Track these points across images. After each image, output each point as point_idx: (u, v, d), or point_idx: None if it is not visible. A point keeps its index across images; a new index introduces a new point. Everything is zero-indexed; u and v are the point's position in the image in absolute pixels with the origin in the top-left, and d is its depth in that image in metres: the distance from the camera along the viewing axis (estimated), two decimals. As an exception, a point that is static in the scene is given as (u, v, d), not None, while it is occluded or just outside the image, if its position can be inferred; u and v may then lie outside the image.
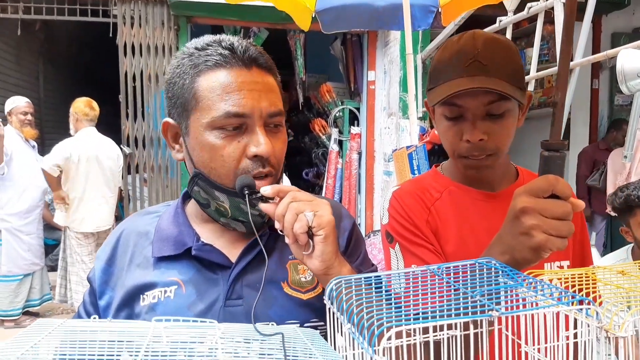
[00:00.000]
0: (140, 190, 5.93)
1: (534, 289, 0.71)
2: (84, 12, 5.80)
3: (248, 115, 1.01)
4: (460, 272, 0.80)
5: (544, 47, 5.86)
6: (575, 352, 0.68)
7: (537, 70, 3.47)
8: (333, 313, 0.70)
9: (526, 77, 3.52)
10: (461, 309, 0.64)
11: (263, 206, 0.96)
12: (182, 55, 1.08)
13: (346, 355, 0.65)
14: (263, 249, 0.97)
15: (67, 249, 5.04)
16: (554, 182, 0.92)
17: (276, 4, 2.74)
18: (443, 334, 0.63)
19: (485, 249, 1.04)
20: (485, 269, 0.80)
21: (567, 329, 0.68)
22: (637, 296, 0.77)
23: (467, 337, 0.64)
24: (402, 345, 0.61)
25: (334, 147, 6.20)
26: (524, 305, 0.68)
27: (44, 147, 5.03)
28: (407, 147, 3.30)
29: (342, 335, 0.67)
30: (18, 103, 5.16)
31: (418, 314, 0.66)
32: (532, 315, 0.67)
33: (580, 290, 0.81)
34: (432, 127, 4.48)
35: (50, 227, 5.92)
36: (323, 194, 5.98)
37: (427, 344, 0.61)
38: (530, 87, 3.64)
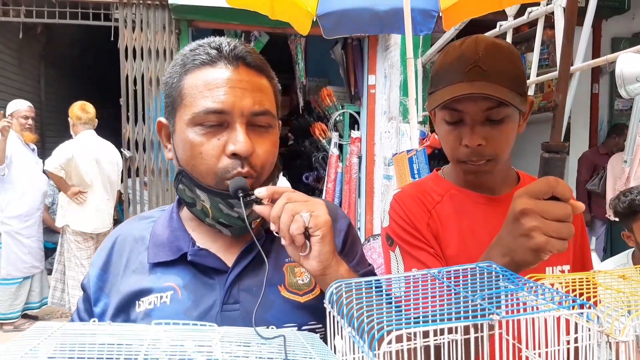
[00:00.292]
0: (140, 194, 5.93)
1: (535, 293, 0.71)
2: (86, 16, 5.82)
3: (227, 112, 1.00)
4: (461, 276, 0.80)
5: (544, 51, 5.87)
6: (576, 357, 0.68)
7: (537, 75, 3.47)
8: (333, 317, 0.70)
9: (527, 82, 3.53)
10: (462, 312, 0.64)
11: (258, 208, 0.95)
12: (177, 57, 1.09)
13: (346, 359, 0.64)
14: (262, 252, 0.95)
15: (65, 252, 5.03)
16: (554, 184, 0.92)
17: (272, 15, 2.75)
18: (444, 338, 0.62)
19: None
20: (485, 273, 0.80)
21: (567, 333, 0.67)
22: (637, 301, 0.77)
23: (467, 341, 0.64)
24: (402, 349, 0.60)
25: (334, 151, 6.20)
26: (525, 309, 0.68)
27: (45, 151, 5.04)
28: (408, 151, 3.30)
29: (342, 338, 0.67)
30: (20, 107, 5.17)
31: (418, 317, 0.66)
32: (533, 319, 0.67)
33: (581, 294, 0.81)
34: (432, 131, 4.48)
35: (50, 230, 5.91)
36: (323, 198, 5.97)
37: (427, 347, 0.61)
38: (531, 92, 3.64)
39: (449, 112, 1.23)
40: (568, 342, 0.67)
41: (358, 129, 6.28)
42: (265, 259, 0.94)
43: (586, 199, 5.68)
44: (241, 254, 1.08)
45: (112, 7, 5.76)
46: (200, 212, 1.06)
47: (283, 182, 4.30)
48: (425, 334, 0.61)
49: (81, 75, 10.21)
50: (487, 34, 3.76)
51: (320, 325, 1.06)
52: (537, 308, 0.68)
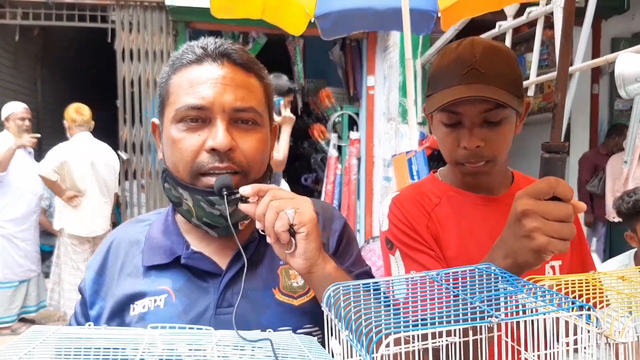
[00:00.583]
0: (137, 197, 5.92)
1: (534, 295, 0.71)
2: (82, 18, 5.82)
3: (208, 108, 0.99)
4: (460, 278, 0.79)
5: (544, 52, 5.87)
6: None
7: (537, 75, 3.48)
8: (331, 320, 0.70)
9: (526, 82, 3.52)
10: (460, 315, 0.64)
11: (243, 206, 0.94)
12: (170, 58, 1.10)
13: (344, 363, 0.64)
14: (242, 249, 0.95)
15: (62, 255, 5.01)
16: (555, 184, 0.91)
17: (263, 17, 2.74)
18: (442, 341, 0.62)
19: (486, 253, 1.03)
20: (484, 275, 0.80)
21: (567, 335, 0.67)
22: (637, 302, 0.76)
23: (466, 343, 0.63)
24: (400, 352, 0.60)
25: (333, 152, 6.20)
26: (524, 312, 0.68)
27: (41, 153, 5.03)
28: (407, 153, 3.30)
29: (339, 342, 0.66)
30: (15, 109, 5.15)
31: (417, 320, 0.66)
32: (532, 321, 0.67)
33: (581, 296, 0.81)
34: (431, 132, 4.48)
35: (46, 234, 5.90)
36: (322, 200, 5.97)
37: (426, 350, 0.61)
38: (530, 92, 3.64)
39: (446, 114, 1.23)
40: (567, 344, 0.67)
41: (357, 131, 6.29)
42: (245, 259, 0.94)
43: (588, 200, 5.67)
44: (235, 257, 1.07)
45: (109, 9, 5.76)
46: (186, 212, 1.06)
47: (283, 184, 4.30)
48: (424, 337, 0.60)
49: (78, 78, 10.19)
50: (487, 34, 3.76)
51: (317, 329, 1.05)
52: (537, 310, 0.68)
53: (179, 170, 1.02)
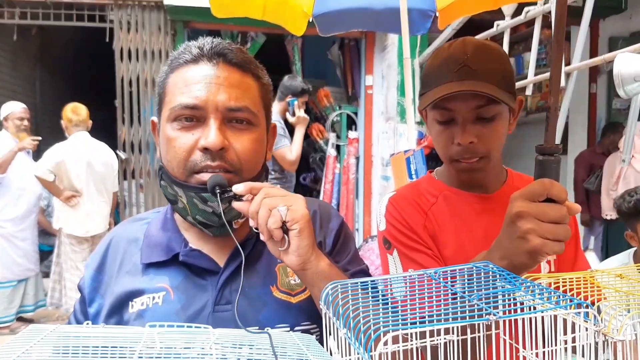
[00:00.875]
0: (136, 196, 5.91)
1: (532, 293, 0.71)
2: (81, 17, 5.81)
3: (201, 107, 1.00)
4: (458, 276, 0.79)
5: (542, 51, 5.88)
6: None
7: (535, 74, 3.48)
8: (329, 318, 0.70)
9: (524, 81, 3.53)
10: (458, 313, 0.64)
11: (236, 204, 0.95)
12: (168, 58, 1.11)
13: (342, 361, 0.64)
14: (239, 246, 0.96)
15: (62, 255, 5.02)
16: (549, 186, 0.92)
17: (264, 17, 2.74)
18: (440, 339, 0.62)
19: (483, 251, 1.04)
20: (482, 273, 0.80)
21: (565, 332, 0.67)
22: (636, 299, 0.76)
23: (464, 341, 0.63)
24: (398, 350, 0.60)
25: (331, 151, 6.20)
26: (522, 309, 0.68)
27: (39, 153, 5.03)
28: (405, 152, 3.30)
29: (337, 340, 0.66)
30: (14, 109, 5.15)
31: (415, 318, 0.66)
32: (530, 319, 0.67)
33: (579, 293, 0.81)
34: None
35: (45, 233, 5.89)
36: (321, 199, 5.97)
37: (424, 348, 0.61)
38: (528, 92, 3.65)
39: (439, 111, 1.25)
40: (565, 342, 0.67)
41: (355, 130, 6.29)
42: (242, 255, 0.95)
43: (584, 199, 5.68)
44: (232, 255, 1.07)
45: (107, 8, 5.75)
46: (182, 210, 1.06)
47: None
48: (422, 335, 0.60)
49: (76, 77, 10.18)
50: (485, 33, 3.77)
51: (315, 326, 1.06)
52: (535, 308, 0.68)
53: (173, 168, 1.02)
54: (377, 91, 6.13)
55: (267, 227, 0.89)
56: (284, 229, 0.90)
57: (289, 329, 1.01)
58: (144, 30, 5.72)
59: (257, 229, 0.92)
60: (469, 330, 0.62)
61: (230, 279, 1.05)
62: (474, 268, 0.81)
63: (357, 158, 6.24)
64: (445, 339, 0.62)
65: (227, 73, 1.04)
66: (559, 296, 0.69)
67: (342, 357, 0.64)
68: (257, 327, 0.83)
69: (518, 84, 3.44)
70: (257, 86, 1.09)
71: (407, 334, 0.60)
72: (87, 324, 0.79)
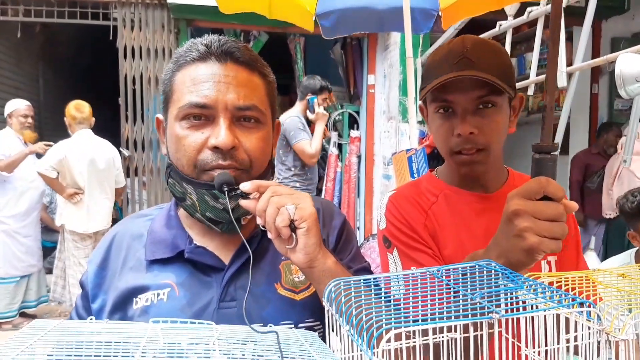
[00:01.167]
0: (139, 194, 5.91)
1: (534, 292, 0.71)
2: (84, 15, 5.81)
3: (211, 106, 1.00)
4: (460, 274, 0.79)
5: (544, 51, 5.85)
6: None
7: (537, 75, 3.48)
8: (332, 315, 0.70)
9: (526, 81, 3.53)
10: (461, 311, 0.64)
11: (244, 202, 0.95)
12: (173, 55, 1.10)
13: (345, 358, 0.64)
14: (246, 243, 0.96)
15: (65, 251, 5.03)
16: (546, 184, 0.92)
17: (270, 15, 2.74)
18: (443, 337, 0.62)
19: (479, 250, 1.04)
20: (485, 271, 0.80)
21: (567, 331, 0.67)
22: (638, 299, 0.76)
23: (467, 339, 0.63)
24: (401, 348, 0.60)
25: (333, 150, 6.19)
26: (524, 308, 0.68)
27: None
28: (407, 151, 3.30)
29: (340, 337, 0.66)
30: (18, 106, 5.16)
31: (417, 315, 0.66)
32: (533, 317, 0.67)
33: (581, 292, 0.81)
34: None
35: (48, 229, 5.90)
36: (322, 197, 5.96)
37: (426, 346, 0.61)
38: (530, 91, 3.64)
39: (439, 103, 1.26)
40: (567, 341, 0.67)
41: (357, 129, 6.28)
42: (250, 253, 0.95)
43: (579, 198, 5.67)
44: (237, 252, 1.08)
45: (110, 6, 5.75)
46: (190, 207, 1.06)
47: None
48: (425, 333, 0.61)
49: (80, 75, 10.18)
50: (487, 33, 3.76)
51: (318, 323, 1.06)
52: (537, 306, 0.68)
53: (183, 166, 1.03)
54: (379, 90, 6.12)
55: (274, 225, 0.90)
56: (292, 227, 0.90)
57: (292, 326, 1.01)
58: (148, 29, 5.72)
59: (264, 226, 0.92)
60: (471, 329, 0.62)
61: (235, 276, 1.06)
62: (476, 266, 0.81)
63: (359, 157, 6.24)
64: (447, 336, 0.62)
65: (235, 72, 1.04)
66: (562, 295, 0.69)
67: (344, 354, 0.64)
68: (262, 324, 0.83)
69: (520, 84, 3.44)
70: (263, 84, 1.10)
71: (409, 332, 0.60)
72: (91, 319, 0.79)
